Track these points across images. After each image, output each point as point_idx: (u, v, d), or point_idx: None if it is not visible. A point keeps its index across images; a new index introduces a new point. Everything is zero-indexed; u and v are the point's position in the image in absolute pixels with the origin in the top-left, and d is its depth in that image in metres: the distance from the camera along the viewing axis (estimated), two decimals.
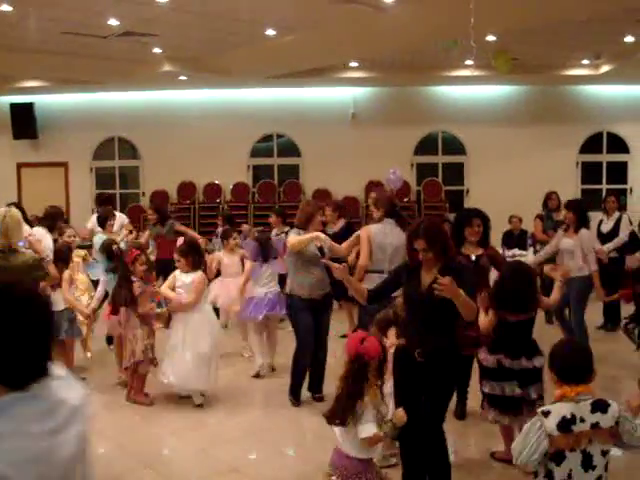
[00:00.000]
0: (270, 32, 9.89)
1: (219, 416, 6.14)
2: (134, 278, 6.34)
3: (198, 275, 6.36)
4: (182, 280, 6.33)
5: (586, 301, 7.63)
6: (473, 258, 5.60)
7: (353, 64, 12.39)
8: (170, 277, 6.55)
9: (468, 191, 14.34)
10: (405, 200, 13.91)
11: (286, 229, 9.48)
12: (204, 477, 4.92)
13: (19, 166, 14.81)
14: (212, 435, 5.72)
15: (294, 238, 6.14)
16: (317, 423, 5.79)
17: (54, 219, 8.18)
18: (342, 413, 3.61)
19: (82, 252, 7.52)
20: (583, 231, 7.39)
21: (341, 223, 8.72)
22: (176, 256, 6.43)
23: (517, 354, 4.68)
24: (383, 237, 6.23)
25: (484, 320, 4.73)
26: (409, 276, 4.31)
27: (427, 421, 4.08)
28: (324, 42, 10.06)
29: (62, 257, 6.73)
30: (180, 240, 7.27)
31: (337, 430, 3.70)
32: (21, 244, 5.26)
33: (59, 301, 6.87)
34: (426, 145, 14.41)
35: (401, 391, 4.18)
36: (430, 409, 4.10)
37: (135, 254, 6.45)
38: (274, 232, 9.78)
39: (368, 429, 3.54)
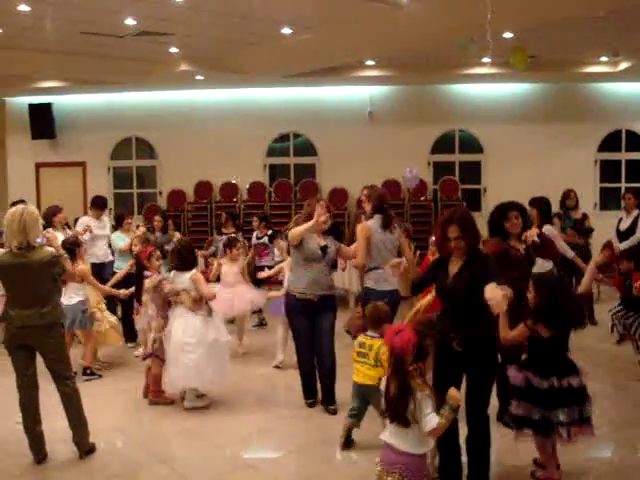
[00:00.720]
0: (286, 30, 9.88)
1: (235, 414, 6.15)
2: (149, 273, 6.49)
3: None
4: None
5: None
6: (523, 252, 5.51)
7: (370, 62, 12.36)
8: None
9: (485, 190, 14.25)
10: (422, 198, 13.89)
11: (269, 232, 9.76)
12: (219, 474, 4.92)
13: (38, 166, 14.91)
14: (228, 432, 5.73)
15: (293, 229, 6.09)
16: (333, 421, 5.82)
17: (46, 217, 8.36)
18: (401, 413, 3.57)
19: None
20: (546, 227, 7.43)
21: None
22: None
23: (547, 372, 4.38)
24: (382, 233, 6.24)
25: (512, 332, 4.40)
26: (439, 268, 4.48)
27: (473, 408, 4.22)
28: (340, 40, 10.03)
29: (71, 251, 6.84)
30: None
31: (390, 430, 3.67)
32: (38, 240, 5.29)
33: (73, 295, 6.96)
34: (443, 143, 14.32)
35: (441, 383, 4.07)
36: (474, 396, 4.19)
37: (150, 250, 6.60)
38: (254, 235, 10.01)
39: (432, 421, 3.52)
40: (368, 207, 6.46)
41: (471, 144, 14.28)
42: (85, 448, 5.20)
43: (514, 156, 13.78)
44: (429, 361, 3.65)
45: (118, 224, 9.11)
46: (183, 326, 6.17)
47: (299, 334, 6.20)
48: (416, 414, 3.54)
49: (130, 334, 8.39)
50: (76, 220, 9.99)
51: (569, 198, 10.02)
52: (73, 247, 7.02)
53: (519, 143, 13.77)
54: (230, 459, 5.18)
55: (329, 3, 8.67)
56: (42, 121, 14.30)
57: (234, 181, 14.37)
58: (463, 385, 4.31)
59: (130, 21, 9.25)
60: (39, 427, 5.12)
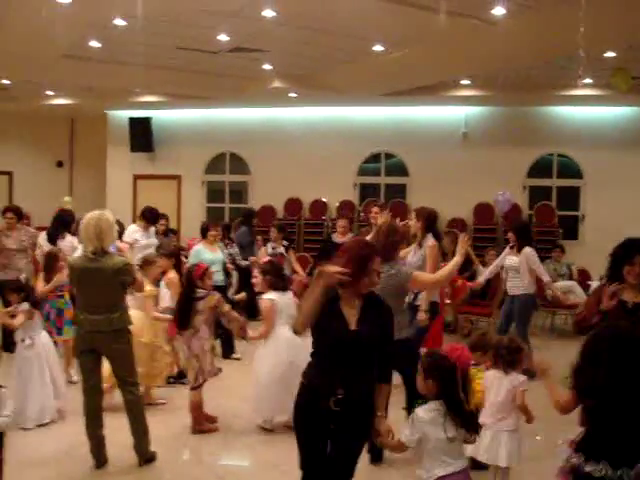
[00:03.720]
0: (378, 48, 9.78)
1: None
2: (202, 292, 6.02)
3: (265, 301, 6.04)
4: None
5: (530, 317, 8.17)
6: (630, 306, 4.46)
7: (465, 82, 12.08)
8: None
9: (584, 217, 13.65)
10: None
11: (285, 243, 9.98)
12: None
13: (135, 178, 15.40)
14: (285, 450, 5.55)
15: (444, 271, 5.38)
16: None
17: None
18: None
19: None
20: (526, 249, 7.79)
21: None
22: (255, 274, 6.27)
23: (598, 455, 3.13)
24: None
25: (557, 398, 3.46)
26: (329, 307, 3.56)
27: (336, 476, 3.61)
28: (433, 57, 9.83)
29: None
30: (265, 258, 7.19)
31: None
32: (112, 249, 5.34)
33: None
34: (540, 167, 13.81)
35: (305, 441, 3.67)
36: (340, 464, 3.59)
37: (204, 268, 6.17)
38: (269, 246, 9.95)
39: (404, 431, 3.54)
40: (417, 225, 6.36)
41: (570, 169, 13.73)
42: (145, 456, 5.18)
43: (616, 183, 13.12)
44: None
45: (203, 236, 9.13)
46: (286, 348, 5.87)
47: None
48: None
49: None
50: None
51: None
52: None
53: (621, 169, 13.11)
54: (284, 479, 5.03)
55: (421, 19, 8.48)
56: (141, 134, 14.80)
57: (324, 199, 14.36)
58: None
59: (223, 37, 9.36)
60: (101, 431, 5.14)
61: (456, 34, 8.86)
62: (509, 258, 7.92)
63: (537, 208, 13.64)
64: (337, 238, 9.84)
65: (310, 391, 3.62)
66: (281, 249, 10.08)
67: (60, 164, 16.70)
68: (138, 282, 5.36)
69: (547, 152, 13.77)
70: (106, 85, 12.58)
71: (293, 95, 12.51)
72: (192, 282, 6.06)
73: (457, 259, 5.14)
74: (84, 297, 5.14)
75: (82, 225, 5.15)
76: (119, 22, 8.49)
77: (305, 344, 5.93)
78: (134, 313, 5.72)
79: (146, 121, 14.73)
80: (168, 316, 6.45)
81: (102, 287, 5.03)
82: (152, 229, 9.71)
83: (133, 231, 9.46)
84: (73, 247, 8.54)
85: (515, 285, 7.91)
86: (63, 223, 9.28)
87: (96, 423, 5.13)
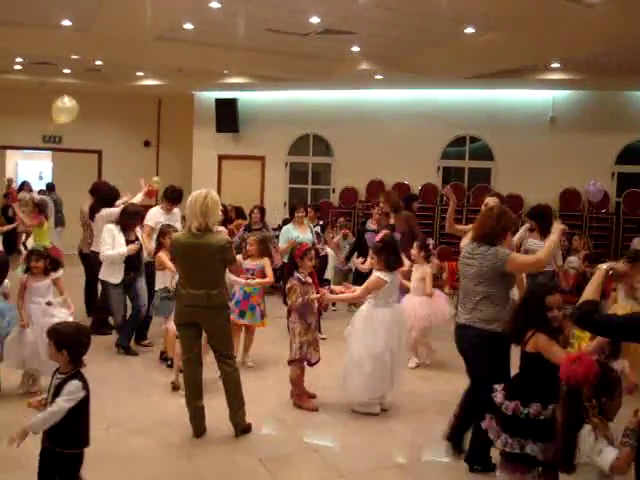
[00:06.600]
0: (469, 30, 9.67)
1: (393, 413, 6.05)
2: (297, 274, 6.04)
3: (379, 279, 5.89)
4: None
5: None
6: None
7: (554, 65, 11.82)
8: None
9: None
10: (603, 211, 13.15)
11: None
12: (370, 470, 4.89)
13: (220, 158, 15.69)
14: (382, 429, 5.67)
15: (545, 250, 4.83)
16: None
17: (132, 219, 7.75)
18: (567, 453, 3.10)
19: None
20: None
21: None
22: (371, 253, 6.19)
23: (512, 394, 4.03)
24: None
25: None
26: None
27: None
28: (526, 41, 9.65)
29: None
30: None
31: None
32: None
33: None
34: (630, 153, 13.38)
35: None
36: None
37: (305, 248, 6.21)
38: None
39: (608, 454, 2.98)
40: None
41: None
42: (241, 427, 5.35)
43: None
44: (618, 400, 3.09)
45: (291, 216, 9.26)
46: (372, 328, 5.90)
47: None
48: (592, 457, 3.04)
49: None
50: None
51: None
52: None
53: None
54: (379, 456, 5.11)
55: (515, 1, 8.36)
56: (227, 115, 15.06)
57: (406, 182, 14.32)
58: None
59: (315, 19, 9.42)
60: (200, 402, 5.33)
61: (551, 17, 8.69)
62: (532, 241, 8.07)
63: (626, 195, 13.28)
64: (371, 225, 9.81)
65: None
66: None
67: (147, 144, 17.13)
68: (238, 262, 5.48)
69: (637, 138, 13.36)
70: (195, 66, 12.84)
71: (379, 77, 12.49)
72: (294, 260, 6.17)
73: (554, 237, 4.78)
74: (186, 272, 5.30)
75: (188, 202, 5.26)
76: (214, 5, 8.66)
77: (400, 333, 6.04)
78: None
79: (232, 102, 14.98)
80: None
81: (204, 263, 5.18)
82: (176, 211, 8.53)
83: (155, 214, 8.44)
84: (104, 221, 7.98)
85: None
86: (105, 198, 8.55)
87: (196, 394, 5.32)
